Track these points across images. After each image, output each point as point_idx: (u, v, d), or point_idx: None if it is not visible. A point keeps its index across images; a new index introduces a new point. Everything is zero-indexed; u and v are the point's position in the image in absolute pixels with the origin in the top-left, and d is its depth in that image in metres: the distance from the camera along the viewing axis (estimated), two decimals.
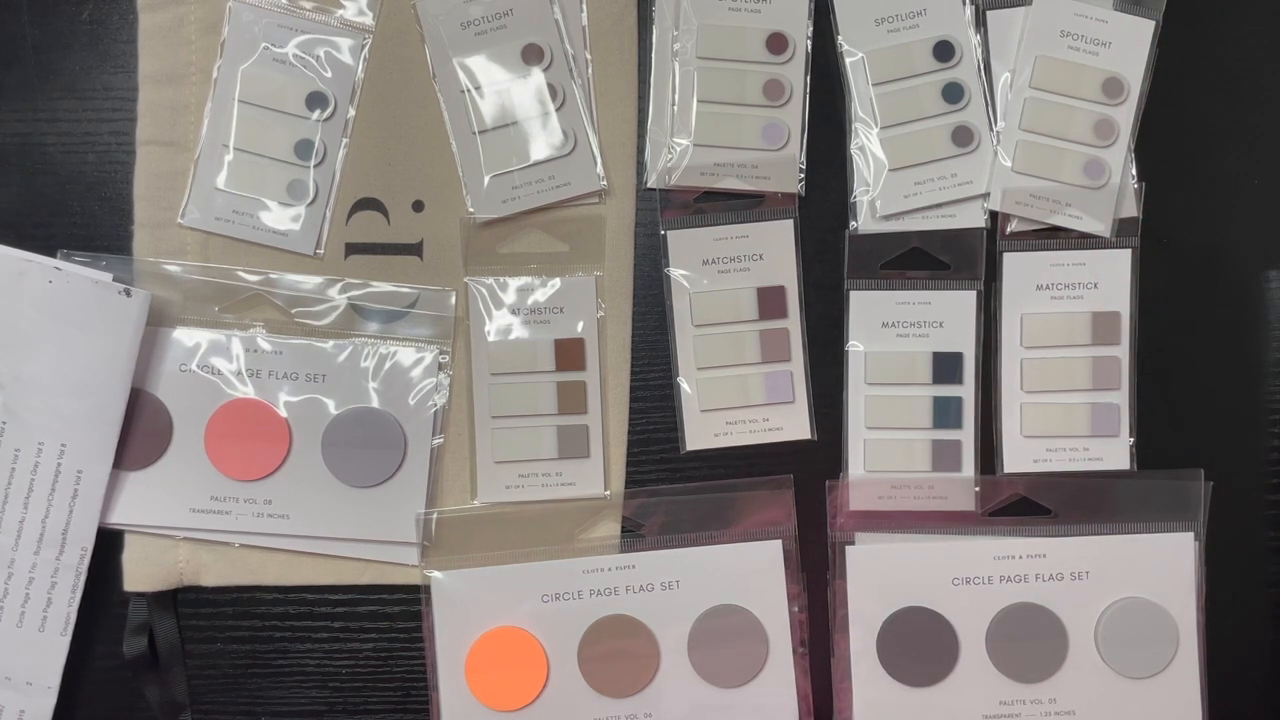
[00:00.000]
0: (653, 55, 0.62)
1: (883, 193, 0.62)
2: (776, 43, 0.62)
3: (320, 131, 0.62)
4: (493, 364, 0.62)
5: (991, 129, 0.62)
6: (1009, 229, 0.62)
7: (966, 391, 0.62)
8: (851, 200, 0.62)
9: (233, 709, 0.63)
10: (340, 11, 0.62)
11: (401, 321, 0.62)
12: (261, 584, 0.62)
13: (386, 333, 0.62)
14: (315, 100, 0.61)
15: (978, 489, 0.62)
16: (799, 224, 0.62)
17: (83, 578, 0.59)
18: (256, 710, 0.63)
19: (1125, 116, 0.62)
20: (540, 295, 0.62)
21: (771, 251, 0.62)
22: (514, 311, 0.62)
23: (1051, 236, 0.62)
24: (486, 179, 0.62)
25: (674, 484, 0.62)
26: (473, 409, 0.62)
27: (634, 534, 0.62)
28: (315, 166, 0.61)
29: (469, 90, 0.61)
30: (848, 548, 0.62)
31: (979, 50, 0.62)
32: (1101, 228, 0.62)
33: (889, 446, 0.62)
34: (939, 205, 0.62)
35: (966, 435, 0.62)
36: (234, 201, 0.61)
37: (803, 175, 0.62)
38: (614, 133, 0.62)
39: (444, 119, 0.62)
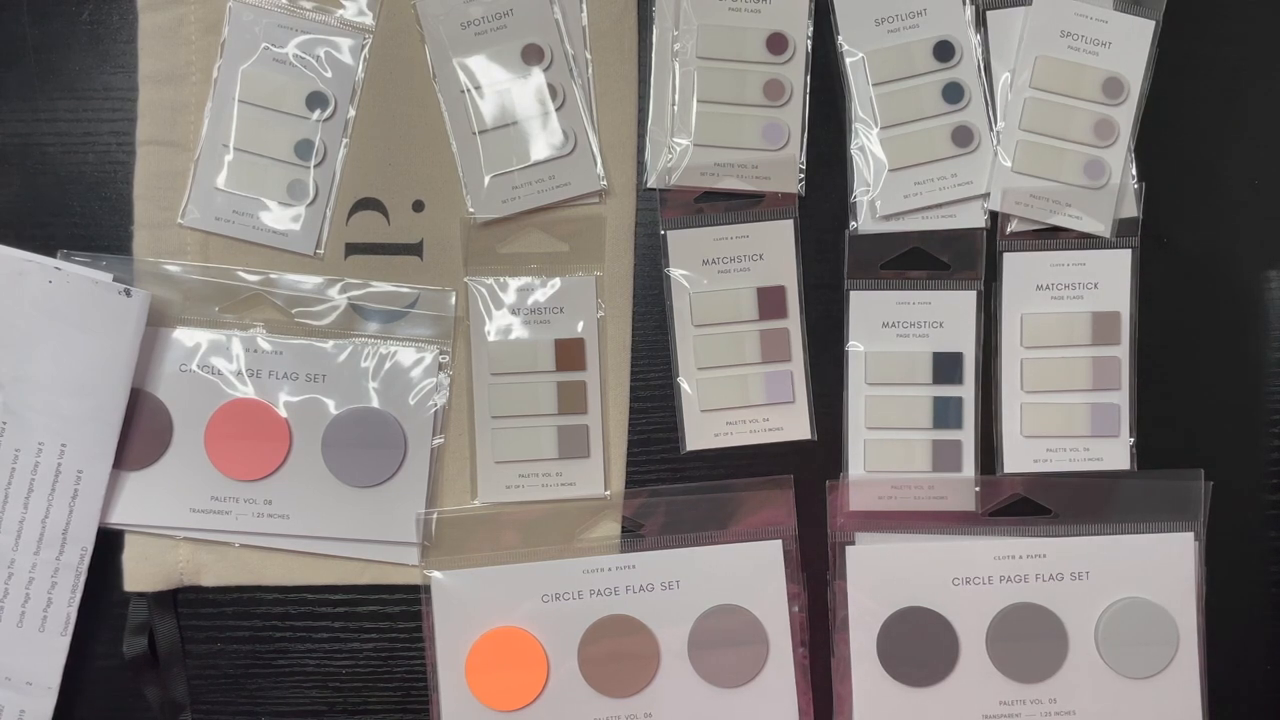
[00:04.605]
0: (653, 55, 0.62)
1: (883, 193, 0.62)
2: (776, 43, 0.62)
3: (320, 131, 0.62)
4: (493, 364, 0.62)
5: (991, 129, 0.62)
6: (1009, 229, 0.62)
7: (966, 391, 0.62)
8: (851, 200, 0.62)
9: (233, 709, 0.63)
10: (340, 11, 0.62)
11: (401, 321, 0.62)
12: (261, 584, 0.62)
13: (386, 333, 0.62)
14: (315, 100, 0.61)
15: (978, 489, 0.62)
16: (799, 224, 0.62)
17: (83, 578, 0.59)
18: (256, 710, 0.63)
19: (1125, 116, 0.62)
20: (540, 295, 0.62)
21: (771, 251, 0.62)
22: (514, 311, 0.62)
23: (1051, 236, 0.62)
24: (486, 179, 0.62)
25: (674, 484, 0.62)
26: (473, 409, 0.62)
27: (634, 534, 0.62)
28: (315, 166, 0.61)
29: (469, 90, 0.61)
30: (848, 548, 0.62)
31: (979, 50, 0.62)
32: (1101, 228, 0.62)
33: (889, 446, 0.62)
34: (939, 205, 0.62)
35: (966, 435, 0.62)
36: (234, 201, 0.61)
37: (803, 175, 0.62)
38: (614, 133, 0.62)
39: (444, 119, 0.62)
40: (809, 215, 0.63)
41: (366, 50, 0.62)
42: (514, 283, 0.62)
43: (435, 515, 0.62)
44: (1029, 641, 0.61)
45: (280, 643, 0.63)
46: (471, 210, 0.62)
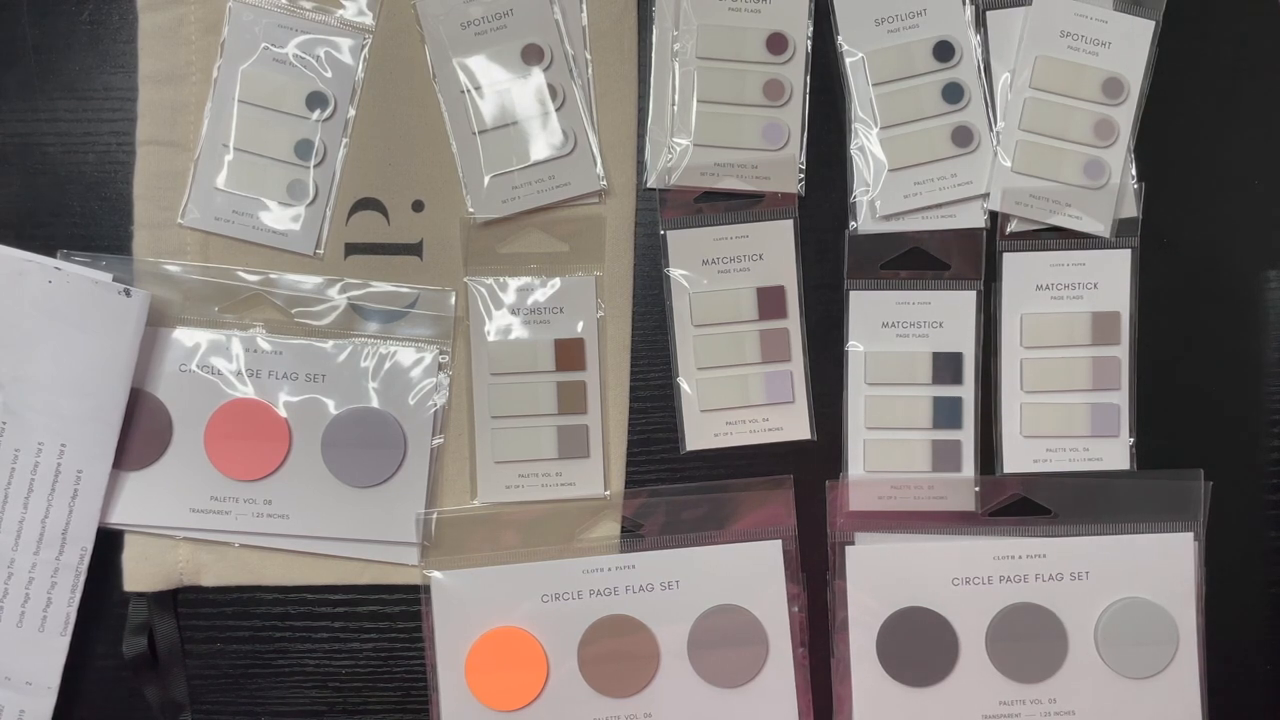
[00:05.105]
0: (653, 55, 0.62)
1: (883, 193, 0.62)
2: (776, 43, 0.62)
3: (320, 131, 0.62)
4: (493, 364, 0.62)
5: (991, 129, 0.62)
6: (1009, 229, 0.62)
7: (966, 391, 0.62)
8: (851, 200, 0.62)
9: (233, 709, 0.63)
10: (340, 11, 0.62)
11: (401, 321, 0.62)
12: (261, 584, 0.62)
13: (386, 333, 0.62)
14: (315, 100, 0.61)
15: (978, 489, 0.62)
16: (799, 224, 0.62)
17: (82, 578, 0.59)
18: (256, 710, 0.63)
19: (1125, 116, 0.62)
20: (540, 295, 0.62)
21: (771, 251, 0.62)
22: (514, 311, 0.62)
23: (1051, 236, 0.62)
24: (486, 179, 0.62)
25: (674, 484, 0.62)
26: (473, 409, 0.62)
27: (634, 534, 0.62)
28: (315, 166, 0.61)
29: (469, 90, 0.61)
30: (848, 548, 0.62)
31: (979, 50, 0.62)
32: (1101, 228, 0.62)
33: (889, 446, 0.62)
34: (939, 205, 0.62)
35: (966, 435, 0.62)
36: (234, 201, 0.61)
37: (803, 175, 0.62)
38: (614, 133, 0.62)
39: (444, 119, 0.62)
40: (809, 215, 0.63)
41: (366, 50, 0.62)
42: (514, 283, 0.62)
43: (435, 515, 0.62)
44: (1029, 641, 0.61)
45: (280, 643, 0.63)
46: (471, 210, 0.62)
